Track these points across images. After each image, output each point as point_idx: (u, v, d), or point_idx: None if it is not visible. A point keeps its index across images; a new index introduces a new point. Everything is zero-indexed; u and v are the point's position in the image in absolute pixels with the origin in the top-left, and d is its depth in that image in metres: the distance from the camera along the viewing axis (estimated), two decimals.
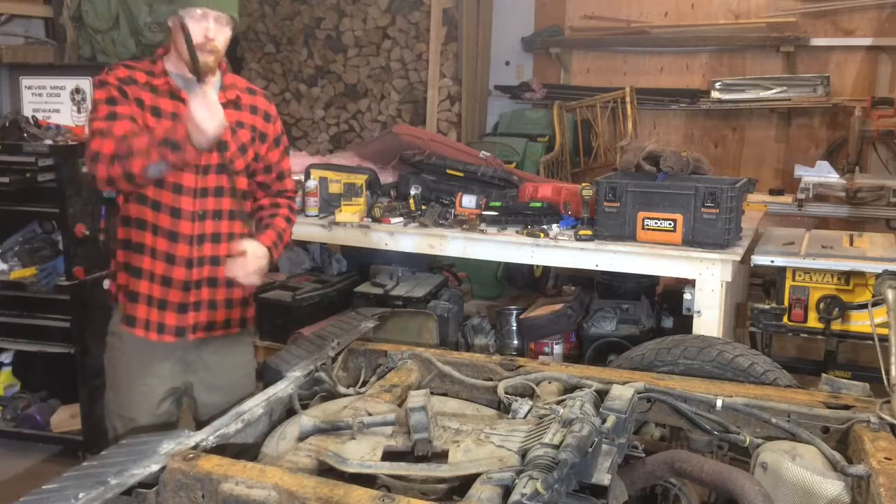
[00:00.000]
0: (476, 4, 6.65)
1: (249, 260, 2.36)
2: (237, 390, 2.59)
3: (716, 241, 3.35)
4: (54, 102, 3.79)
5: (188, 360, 2.53)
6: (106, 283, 3.07)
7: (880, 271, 3.03)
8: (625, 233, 3.49)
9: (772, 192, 5.24)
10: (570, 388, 2.46)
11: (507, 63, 7.06)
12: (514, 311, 4.22)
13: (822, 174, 4.84)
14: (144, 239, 2.42)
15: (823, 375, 2.59)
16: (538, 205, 3.84)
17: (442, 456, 2.01)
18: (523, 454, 1.94)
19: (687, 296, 3.45)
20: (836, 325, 3.34)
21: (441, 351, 2.90)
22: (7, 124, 3.61)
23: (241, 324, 2.63)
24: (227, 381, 2.59)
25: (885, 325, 2.75)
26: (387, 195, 4.29)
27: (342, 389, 2.58)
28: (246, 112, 2.49)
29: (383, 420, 2.16)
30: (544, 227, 3.72)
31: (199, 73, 2.22)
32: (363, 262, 4.61)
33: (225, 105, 2.26)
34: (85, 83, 3.73)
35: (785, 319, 3.41)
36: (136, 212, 2.42)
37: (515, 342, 4.21)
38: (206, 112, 2.08)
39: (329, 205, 4.08)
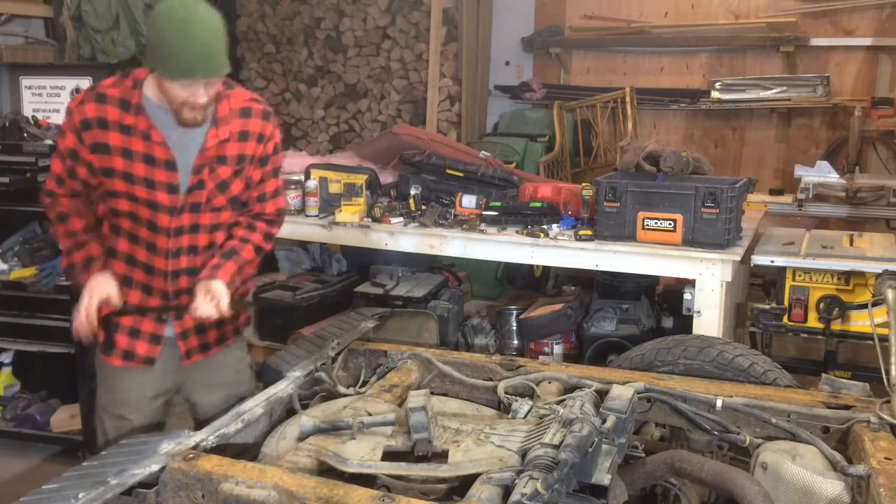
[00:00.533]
0: (476, 4, 6.65)
1: (208, 299, 2.29)
2: (232, 388, 2.58)
3: (716, 241, 3.35)
4: (54, 102, 3.79)
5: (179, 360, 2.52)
6: None
7: (880, 271, 3.03)
8: (625, 233, 3.49)
9: (772, 192, 5.24)
10: (570, 388, 2.46)
11: (507, 63, 7.06)
12: (514, 311, 4.22)
13: (822, 174, 4.84)
14: (120, 268, 2.38)
15: (823, 375, 2.59)
16: (538, 205, 3.84)
17: (442, 456, 2.01)
18: (523, 454, 1.94)
19: (687, 296, 3.45)
20: (836, 325, 3.34)
21: (441, 351, 2.91)
22: (7, 124, 3.61)
23: (234, 333, 2.61)
24: (220, 380, 2.58)
25: (885, 325, 2.74)
26: (387, 195, 4.29)
27: (342, 389, 2.58)
28: (232, 143, 2.32)
29: (383, 420, 2.16)
30: (544, 227, 3.72)
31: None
32: (363, 262, 4.61)
33: (208, 147, 2.26)
34: (85, 83, 3.73)
35: (785, 319, 3.41)
36: (113, 242, 2.38)
37: (515, 342, 4.21)
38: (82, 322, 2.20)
39: (329, 205, 4.08)
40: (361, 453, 2.05)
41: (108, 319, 2.35)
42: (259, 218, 2.49)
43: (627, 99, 6.17)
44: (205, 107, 2.17)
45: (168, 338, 2.45)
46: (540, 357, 3.98)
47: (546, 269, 4.85)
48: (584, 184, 3.79)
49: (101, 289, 2.25)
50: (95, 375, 2.55)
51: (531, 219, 3.78)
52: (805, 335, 3.44)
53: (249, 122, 2.34)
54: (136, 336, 2.41)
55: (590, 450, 1.84)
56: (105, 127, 2.21)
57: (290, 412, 2.41)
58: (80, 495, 1.85)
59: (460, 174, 4.17)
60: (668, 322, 3.98)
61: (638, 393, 2.31)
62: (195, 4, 2.08)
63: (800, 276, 3.38)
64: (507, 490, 1.81)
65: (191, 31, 2.04)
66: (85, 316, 2.22)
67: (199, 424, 2.51)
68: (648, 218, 3.45)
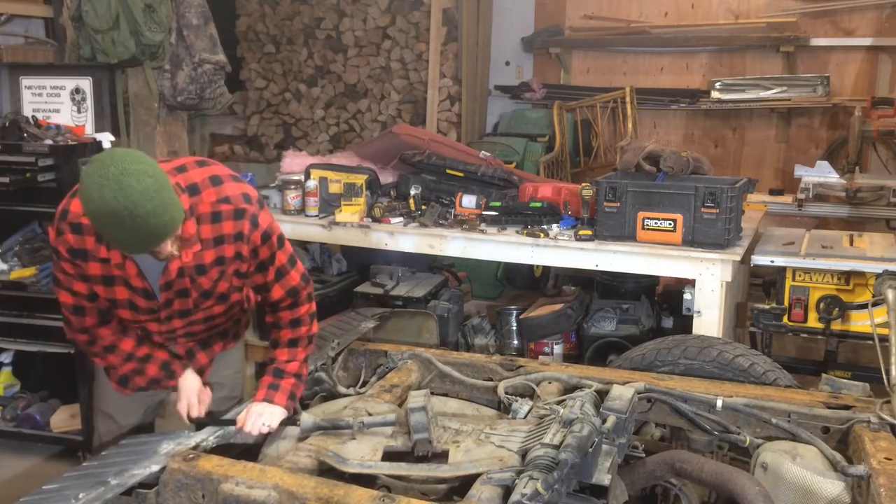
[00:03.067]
0: (476, 4, 6.65)
1: (260, 422, 2.23)
2: (230, 389, 2.57)
3: (716, 241, 3.35)
4: (54, 102, 3.78)
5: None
6: None
7: (880, 271, 3.03)
8: (625, 233, 3.49)
9: (772, 192, 5.23)
10: (570, 389, 2.46)
11: (507, 63, 7.06)
12: (514, 311, 4.22)
13: (822, 174, 4.83)
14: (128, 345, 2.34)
15: (823, 375, 2.59)
16: (538, 205, 3.84)
17: (442, 456, 2.02)
18: (523, 454, 1.94)
19: (687, 296, 3.45)
20: (836, 325, 3.34)
21: (441, 351, 2.91)
22: (7, 124, 3.61)
23: (234, 338, 2.59)
24: (220, 380, 2.56)
25: (885, 325, 2.75)
26: (387, 195, 4.29)
27: (342, 389, 2.58)
28: (207, 251, 2.15)
29: (383, 420, 2.16)
30: (544, 227, 3.72)
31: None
32: (363, 262, 4.60)
33: (170, 269, 2.12)
34: (85, 83, 3.72)
35: (785, 319, 3.41)
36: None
37: (515, 342, 4.21)
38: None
39: (329, 205, 4.08)
40: (361, 453, 2.05)
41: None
42: (279, 308, 2.33)
43: (627, 99, 6.17)
44: (171, 251, 2.02)
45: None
46: (540, 357, 3.98)
47: (546, 269, 4.85)
48: (584, 184, 3.79)
49: (191, 389, 2.29)
50: (95, 376, 2.54)
51: (531, 219, 3.78)
52: (805, 335, 3.44)
53: (222, 225, 2.13)
54: (140, 374, 2.36)
55: (590, 450, 1.84)
56: (85, 258, 2.11)
57: None
58: (80, 495, 1.86)
59: (460, 174, 4.17)
60: (668, 322, 3.98)
61: (638, 393, 2.31)
62: (122, 188, 1.79)
63: (800, 276, 3.38)
64: (508, 490, 1.81)
65: (123, 225, 1.83)
66: (187, 418, 2.27)
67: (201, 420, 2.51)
68: (648, 218, 3.45)
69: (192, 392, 2.30)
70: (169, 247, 1.99)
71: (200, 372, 2.41)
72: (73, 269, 2.13)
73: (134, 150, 1.99)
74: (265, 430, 2.22)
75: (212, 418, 2.33)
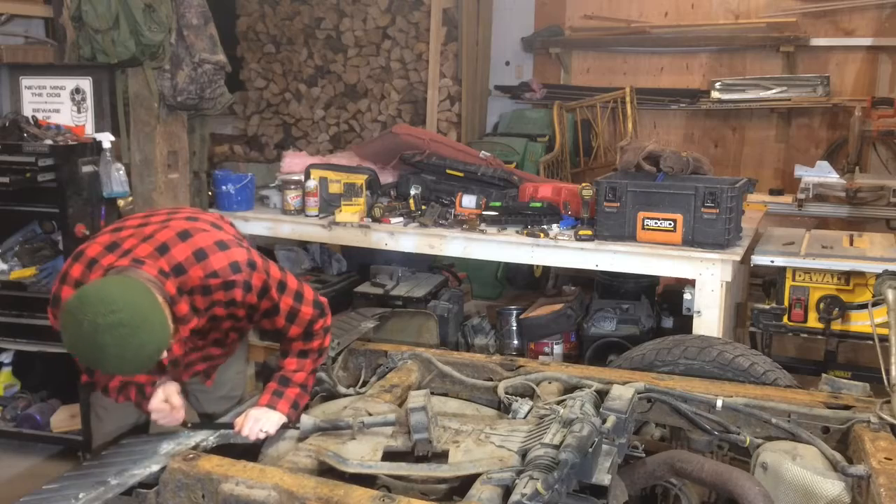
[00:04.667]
0: (476, 4, 6.65)
1: (257, 427, 2.23)
2: (228, 386, 2.56)
3: (716, 241, 3.35)
4: (54, 102, 3.78)
5: None
6: None
7: (880, 271, 3.03)
8: (625, 233, 3.49)
9: (772, 192, 5.24)
10: (570, 388, 2.46)
11: (507, 63, 7.06)
12: (514, 311, 4.22)
13: (822, 174, 4.84)
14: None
15: (823, 375, 2.59)
16: (538, 205, 3.84)
17: (442, 456, 2.02)
18: (523, 454, 1.94)
19: (687, 296, 3.45)
20: (836, 325, 3.34)
21: (441, 351, 2.91)
22: (7, 124, 3.61)
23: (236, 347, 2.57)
24: (230, 374, 2.56)
25: (885, 325, 2.75)
26: (387, 195, 4.29)
27: (342, 389, 2.58)
28: (200, 319, 2.13)
29: (383, 420, 2.16)
30: (544, 227, 3.72)
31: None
32: (363, 262, 4.61)
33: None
34: (85, 83, 3.72)
35: (785, 319, 3.41)
36: None
37: (515, 342, 4.21)
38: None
39: (329, 205, 4.08)
40: (362, 453, 2.05)
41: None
42: (292, 341, 2.32)
43: (627, 99, 6.17)
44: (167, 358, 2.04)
45: None
46: (540, 357, 3.98)
47: (546, 269, 4.85)
48: (584, 184, 3.79)
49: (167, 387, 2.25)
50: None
51: (531, 219, 3.78)
52: (805, 335, 3.44)
53: (213, 297, 2.10)
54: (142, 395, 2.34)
55: (590, 450, 1.84)
56: None
57: None
58: (81, 495, 1.86)
59: (460, 174, 4.17)
60: (668, 322, 3.98)
61: (638, 393, 2.31)
62: (98, 346, 1.81)
63: (800, 276, 3.38)
64: (508, 490, 1.82)
65: (109, 368, 1.91)
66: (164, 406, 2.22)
67: (201, 417, 2.51)
68: (648, 218, 3.45)
69: (159, 406, 2.23)
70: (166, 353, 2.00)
71: (206, 375, 2.39)
72: None
73: (107, 285, 1.90)
74: (262, 435, 2.21)
75: (209, 421, 2.33)
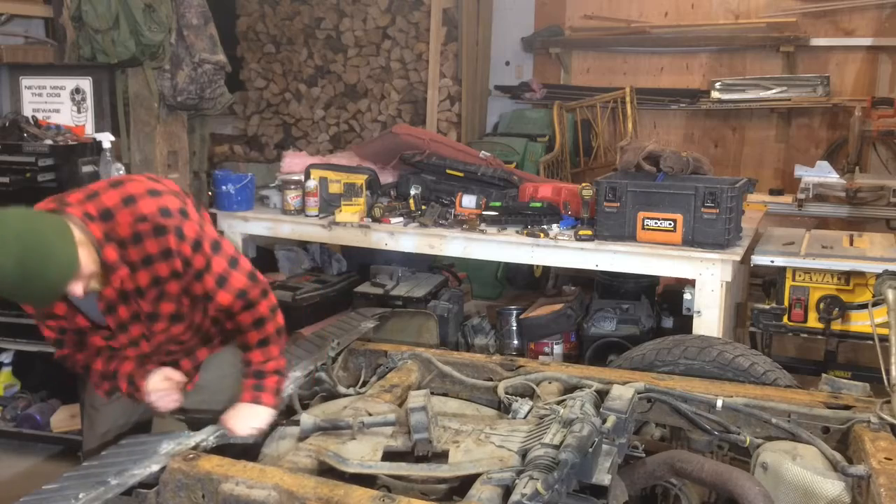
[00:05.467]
0: (476, 4, 6.65)
1: (248, 425, 2.22)
2: (210, 390, 2.55)
3: (716, 241, 3.35)
4: (54, 102, 3.78)
5: None
6: None
7: (880, 271, 3.03)
8: (625, 233, 3.49)
9: (772, 192, 5.24)
10: (570, 388, 2.46)
11: (507, 63, 7.06)
12: (514, 311, 4.22)
13: (822, 174, 4.84)
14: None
15: (823, 375, 2.59)
16: (538, 205, 3.84)
17: (442, 456, 2.02)
18: (523, 454, 1.94)
19: (687, 296, 3.45)
20: (836, 325, 3.34)
21: (441, 351, 2.91)
22: (7, 124, 3.61)
23: (222, 343, 2.51)
24: (204, 380, 2.53)
25: (885, 325, 2.75)
26: (387, 195, 4.29)
27: (342, 389, 2.58)
28: (142, 273, 2.09)
29: (384, 420, 2.16)
30: (544, 227, 3.72)
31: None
32: (363, 262, 4.60)
33: (117, 299, 2.10)
34: (85, 83, 3.72)
35: (785, 319, 3.41)
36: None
37: (515, 342, 4.21)
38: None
39: (329, 205, 4.08)
40: (362, 453, 2.05)
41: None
42: (235, 314, 2.25)
43: (627, 99, 6.17)
44: (85, 288, 1.99)
45: None
46: (540, 357, 3.98)
47: (546, 269, 4.85)
48: (584, 184, 3.79)
49: (155, 386, 2.25)
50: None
51: (531, 219, 3.78)
52: (805, 335, 3.44)
53: (145, 245, 2.05)
54: (133, 386, 2.33)
55: (590, 450, 1.84)
56: None
57: (290, 412, 2.41)
58: (81, 495, 1.86)
59: (460, 174, 4.17)
60: (668, 322, 3.98)
61: (638, 393, 2.31)
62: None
63: (800, 276, 3.38)
64: (508, 490, 1.82)
65: (14, 293, 1.88)
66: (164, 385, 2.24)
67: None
68: (648, 218, 3.45)
69: (159, 385, 2.24)
70: (79, 288, 1.95)
71: (188, 377, 2.38)
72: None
73: (11, 211, 1.90)
74: (254, 431, 2.21)
75: (193, 416, 2.32)
